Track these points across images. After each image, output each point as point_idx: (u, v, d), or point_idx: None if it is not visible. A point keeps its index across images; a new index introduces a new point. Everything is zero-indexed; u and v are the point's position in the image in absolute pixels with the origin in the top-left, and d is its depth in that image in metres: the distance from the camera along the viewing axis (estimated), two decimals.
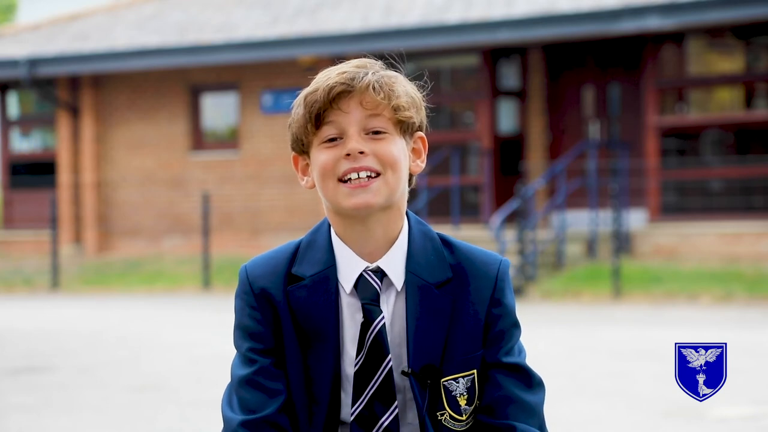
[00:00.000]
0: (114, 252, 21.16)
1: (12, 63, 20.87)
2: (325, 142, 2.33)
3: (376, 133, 2.33)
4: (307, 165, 2.41)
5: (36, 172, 22.24)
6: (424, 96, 2.43)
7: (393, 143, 2.34)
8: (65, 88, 21.58)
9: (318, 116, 2.32)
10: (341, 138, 2.32)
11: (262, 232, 20.02)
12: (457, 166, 18.19)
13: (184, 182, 20.82)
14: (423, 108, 2.42)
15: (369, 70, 2.34)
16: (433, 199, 18.18)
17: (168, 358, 9.99)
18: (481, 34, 17.58)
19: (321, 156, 2.33)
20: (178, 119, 20.83)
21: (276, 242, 18.35)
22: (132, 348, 10.81)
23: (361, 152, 2.30)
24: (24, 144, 22.99)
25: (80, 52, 20.53)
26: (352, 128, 2.32)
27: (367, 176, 2.31)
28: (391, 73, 2.37)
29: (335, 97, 2.31)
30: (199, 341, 11.06)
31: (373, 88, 2.31)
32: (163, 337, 11.58)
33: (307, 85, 2.39)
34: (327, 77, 2.33)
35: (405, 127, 2.37)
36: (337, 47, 18.39)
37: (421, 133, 2.42)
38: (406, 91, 2.36)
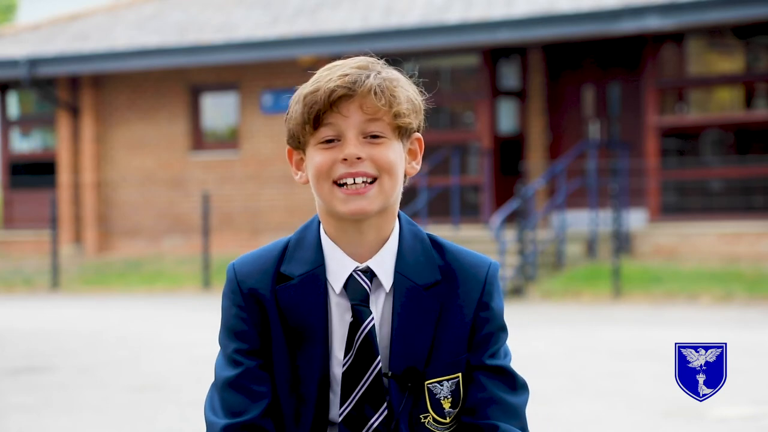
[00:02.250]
0: (114, 252, 21.16)
1: (12, 63, 20.87)
2: (322, 143, 2.30)
3: (374, 137, 2.29)
4: (302, 160, 2.38)
5: (36, 172, 22.23)
6: (424, 98, 2.39)
7: (390, 148, 2.31)
8: (65, 88, 21.58)
9: (317, 117, 2.29)
10: (338, 140, 2.29)
11: (262, 232, 20.02)
12: (457, 166, 18.19)
13: (184, 182, 20.82)
14: (422, 111, 2.38)
15: (371, 72, 2.30)
16: (433, 199, 18.18)
17: (168, 358, 9.99)
18: (481, 34, 17.59)
19: (317, 157, 2.30)
20: (178, 119, 20.83)
21: None
22: (132, 348, 10.81)
23: (359, 158, 2.28)
24: (24, 144, 22.99)
25: (80, 52, 20.53)
26: (351, 132, 2.28)
27: (363, 182, 2.28)
28: (393, 75, 2.33)
29: (336, 101, 2.27)
30: (199, 341, 11.05)
31: (375, 93, 2.27)
32: (163, 337, 11.58)
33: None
34: (328, 78, 2.29)
35: (403, 132, 2.33)
36: (337, 47, 18.38)
37: (418, 135, 2.39)
38: (407, 96, 2.33)
